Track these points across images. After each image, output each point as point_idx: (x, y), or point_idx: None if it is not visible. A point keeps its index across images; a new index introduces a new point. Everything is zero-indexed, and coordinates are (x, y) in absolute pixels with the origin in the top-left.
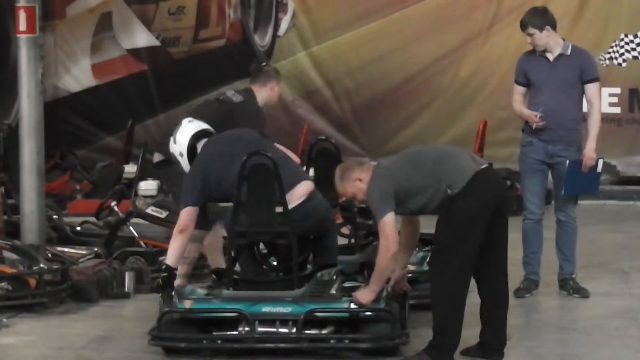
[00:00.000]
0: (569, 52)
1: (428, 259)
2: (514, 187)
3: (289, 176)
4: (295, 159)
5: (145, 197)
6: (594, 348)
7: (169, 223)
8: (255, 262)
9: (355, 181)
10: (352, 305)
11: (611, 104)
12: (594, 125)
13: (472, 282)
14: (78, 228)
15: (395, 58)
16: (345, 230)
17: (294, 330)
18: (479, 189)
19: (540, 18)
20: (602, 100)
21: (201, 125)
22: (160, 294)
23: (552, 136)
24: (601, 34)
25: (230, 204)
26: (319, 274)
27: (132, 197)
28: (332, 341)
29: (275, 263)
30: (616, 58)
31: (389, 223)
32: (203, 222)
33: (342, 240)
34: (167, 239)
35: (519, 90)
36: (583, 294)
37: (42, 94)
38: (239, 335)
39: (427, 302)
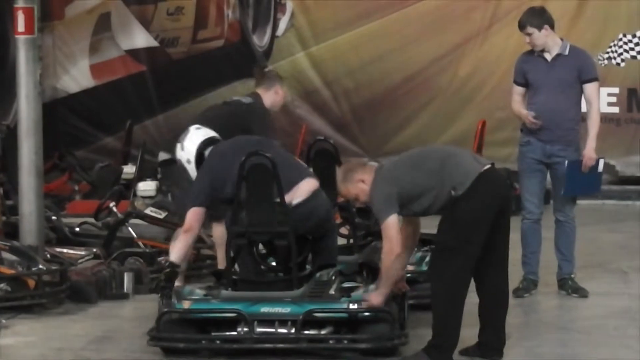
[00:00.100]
0: (567, 52)
1: (427, 259)
2: (512, 187)
3: (292, 174)
4: None
5: (144, 197)
6: (593, 348)
7: (168, 224)
8: (254, 262)
9: (358, 182)
10: (351, 306)
11: (610, 104)
12: (593, 125)
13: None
14: (77, 229)
15: (394, 58)
16: (344, 230)
17: (293, 330)
18: (483, 191)
19: (539, 17)
20: (600, 100)
21: (209, 132)
22: (159, 294)
23: (550, 136)
24: (600, 34)
25: None
26: (317, 275)
27: (130, 197)
28: (331, 341)
29: (274, 263)
30: (615, 58)
31: (392, 225)
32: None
33: (340, 241)
34: (166, 239)
35: (518, 90)
36: (582, 293)
37: (40, 95)
38: (237, 336)
39: (426, 302)
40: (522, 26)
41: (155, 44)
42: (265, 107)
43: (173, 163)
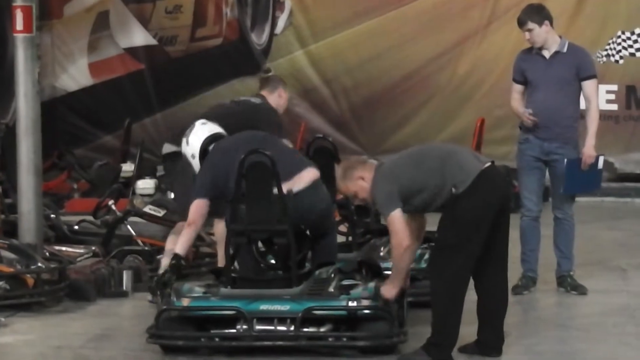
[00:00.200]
0: (565, 50)
1: (426, 256)
2: (512, 185)
3: (293, 164)
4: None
5: (142, 195)
6: (592, 345)
7: (167, 222)
8: (254, 260)
9: (358, 180)
10: (350, 304)
11: (608, 101)
12: (592, 123)
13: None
14: (76, 227)
15: (393, 56)
16: (342, 228)
17: (292, 328)
18: (484, 189)
19: (539, 14)
20: (599, 97)
21: (214, 128)
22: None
23: (548, 134)
24: (598, 32)
25: None
26: (317, 272)
27: (129, 195)
28: (330, 339)
29: (273, 261)
30: (613, 55)
31: (397, 219)
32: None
33: (339, 238)
34: (165, 237)
35: (517, 88)
36: (581, 291)
37: (39, 94)
38: (237, 333)
39: (425, 300)
40: (522, 23)
41: (153, 42)
42: (273, 107)
43: (177, 157)
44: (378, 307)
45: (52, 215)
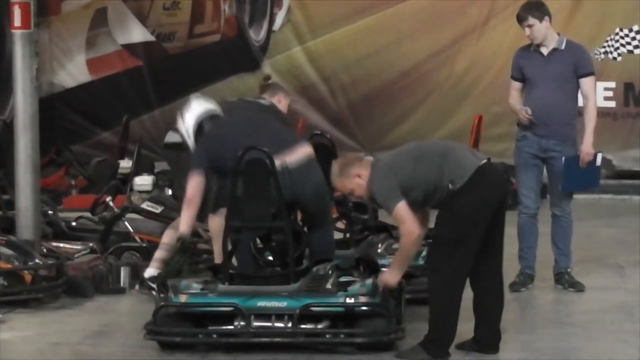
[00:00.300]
0: (563, 47)
1: (424, 253)
2: (509, 182)
3: (288, 139)
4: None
5: (140, 192)
6: (589, 342)
7: (165, 218)
8: (252, 256)
9: (355, 177)
10: (348, 300)
11: (606, 98)
12: (590, 120)
13: None
14: (73, 223)
15: (391, 53)
16: (340, 225)
17: (290, 324)
18: (481, 185)
19: (538, 9)
20: (597, 94)
21: (209, 106)
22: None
23: (546, 131)
24: (597, 29)
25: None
26: (314, 269)
27: (127, 192)
28: (327, 336)
29: (271, 258)
30: (611, 52)
31: (402, 209)
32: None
33: (337, 235)
34: (163, 234)
35: (515, 85)
36: (578, 288)
37: (37, 90)
38: (234, 330)
39: (423, 297)
40: (522, 19)
41: (151, 38)
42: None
43: (180, 147)
44: (375, 304)
45: (50, 212)
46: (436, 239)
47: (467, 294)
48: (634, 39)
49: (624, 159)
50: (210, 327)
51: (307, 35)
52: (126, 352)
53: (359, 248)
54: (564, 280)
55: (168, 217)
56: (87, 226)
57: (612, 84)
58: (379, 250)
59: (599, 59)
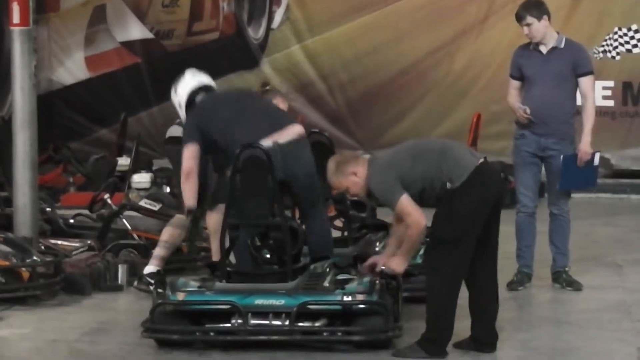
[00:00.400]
0: (562, 45)
1: (421, 252)
2: (507, 180)
3: (279, 118)
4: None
5: (138, 189)
6: (587, 341)
7: (162, 216)
8: (249, 254)
9: (351, 175)
10: (345, 298)
11: (605, 97)
12: (588, 119)
13: None
14: (71, 221)
15: (389, 51)
16: (338, 223)
17: (287, 322)
18: (480, 184)
19: (537, 8)
20: (595, 93)
21: (203, 79)
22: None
23: (545, 129)
24: (595, 28)
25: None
26: (312, 267)
27: (125, 189)
28: (325, 334)
29: (268, 256)
30: (610, 51)
31: (406, 202)
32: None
33: (335, 233)
34: (161, 231)
35: (514, 84)
36: (576, 287)
37: (35, 87)
38: (231, 328)
39: (420, 295)
40: (521, 17)
41: (150, 36)
42: None
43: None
44: (373, 302)
45: (48, 209)
46: (434, 237)
47: (462, 292)
48: (632, 38)
49: (622, 158)
50: (207, 325)
51: (306, 33)
52: (124, 350)
53: (357, 246)
54: (562, 279)
55: (166, 215)
56: (85, 223)
57: (611, 83)
58: (377, 248)
59: (598, 58)
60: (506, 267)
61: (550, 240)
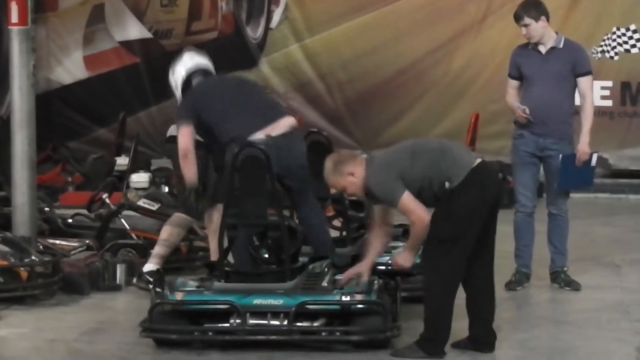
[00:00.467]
0: (561, 45)
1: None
2: (505, 180)
3: (273, 111)
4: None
5: (137, 189)
6: (585, 341)
7: (161, 215)
8: (248, 254)
9: (348, 175)
10: (344, 298)
11: (603, 97)
12: (586, 119)
13: None
14: (70, 220)
15: (388, 51)
16: (336, 222)
17: (286, 322)
18: (478, 184)
19: (535, 9)
20: (594, 93)
21: (201, 61)
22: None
23: (543, 129)
24: (594, 28)
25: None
26: (310, 267)
27: (123, 189)
28: (323, 334)
29: (266, 255)
30: (608, 51)
31: (408, 200)
32: (194, 211)
33: (334, 233)
34: (159, 231)
35: (512, 84)
36: (574, 287)
37: (34, 87)
38: (230, 328)
39: (419, 295)
40: (519, 18)
41: (149, 35)
42: None
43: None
44: (371, 302)
45: (46, 209)
46: (433, 237)
47: (460, 292)
48: (631, 38)
49: (621, 158)
50: (206, 325)
51: (305, 33)
52: (122, 350)
53: (355, 246)
54: (560, 279)
55: (164, 215)
56: (84, 223)
57: (609, 83)
58: None
59: (596, 58)
60: (504, 267)
61: (548, 240)
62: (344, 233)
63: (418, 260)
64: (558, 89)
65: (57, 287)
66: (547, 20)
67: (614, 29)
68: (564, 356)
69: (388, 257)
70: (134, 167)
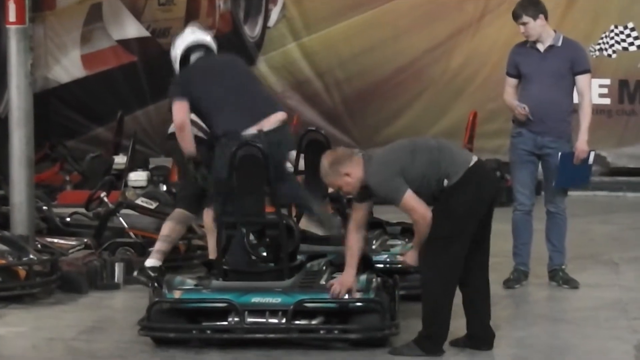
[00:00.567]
0: (559, 44)
1: None
2: (503, 179)
3: (266, 106)
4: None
5: (135, 188)
6: (583, 339)
7: (159, 214)
8: (245, 252)
9: (344, 176)
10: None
11: (601, 95)
12: (585, 118)
13: None
14: (68, 219)
15: (386, 49)
16: None
17: (284, 320)
18: (475, 183)
19: (534, 7)
20: (592, 91)
21: (201, 37)
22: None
23: (542, 127)
24: (592, 26)
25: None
26: (308, 265)
27: (121, 188)
28: (321, 332)
29: (264, 254)
30: (606, 49)
31: (410, 198)
32: (194, 207)
33: None
34: (157, 229)
35: (510, 82)
36: (572, 285)
37: (31, 85)
38: (228, 326)
39: (416, 293)
40: (517, 16)
41: (146, 34)
42: None
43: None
44: (370, 300)
45: (44, 207)
46: (431, 235)
47: (457, 291)
48: (628, 36)
49: (619, 156)
50: (204, 323)
51: (302, 31)
52: (120, 348)
53: None
54: (559, 277)
55: (163, 213)
56: (82, 222)
57: (607, 81)
58: (374, 247)
59: (594, 56)
60: (503, 265)
61: (546, 238)
62: (342, 231)
63: None
64: (556, 87)
65: (55, 285)
66: (546, 18)
67: (612, 27)
68: (562, 354)
69: (386, 255)
70: (131, 166)
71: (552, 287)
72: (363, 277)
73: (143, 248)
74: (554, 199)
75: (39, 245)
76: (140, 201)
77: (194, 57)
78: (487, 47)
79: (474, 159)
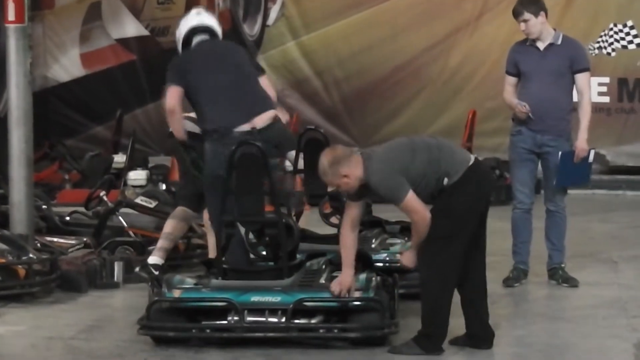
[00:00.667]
0: (559, 42)
1: None
2: (503, 177)
3: (260, 104)
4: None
5: (134, 186)
6: (582, 337)
7: (158, 213)
8: (245, 251)
9: (342, 177)
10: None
11: (600, 94)
12: (584, 116)
13: None
14: (67, 218)
15: (385, 48)
16: (334, 219)
17: (283, 319)
18: (475, 182)
19: (534, 4)
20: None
21: (205, 21)
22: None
23: (541, 126)
24: (591, 24)
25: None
26: (308, 264)
27: (121, 186)
28: (321, 331)
29: (264, 253)
30: (605, 47)
31: (412, 200)
32: (195, 205)
33: (331, 230)
34: (157, 228)
35: (510, 80)
36: (572, 283)
37: (30, 84)
38: (228, 325)
39: (416, 292)
40: (518, 13)
41: (145, 33)
42: None
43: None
44: (369, 299)
45: (44, 206)
46: (430, 234)
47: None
48: (628, 34)
49: (618, 155)
50: (203, 322)
51: (301, 30)
52: (119, 347)
53: None
54: (558, 275)
55: (162, 212)
56: (81, 221)
57: (606, 80)
58: (373, 245)
59: (593, 54)
60: (502, 263)
61: (546, 236)
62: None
63: None
64: (556, 85)
65: (55, 284)
66: (546, 16)
67: (611, 25)
68: (561, 353)
69: (385, 254)
70: (131, 165)
71: (552, 285)
72: (362, 276)
73: (142, 247)
74: (553, 197)
75: (39, 244)
76: (139, 200)
77: (196, 40)
78: (485, 45)
79: (473, 158)
